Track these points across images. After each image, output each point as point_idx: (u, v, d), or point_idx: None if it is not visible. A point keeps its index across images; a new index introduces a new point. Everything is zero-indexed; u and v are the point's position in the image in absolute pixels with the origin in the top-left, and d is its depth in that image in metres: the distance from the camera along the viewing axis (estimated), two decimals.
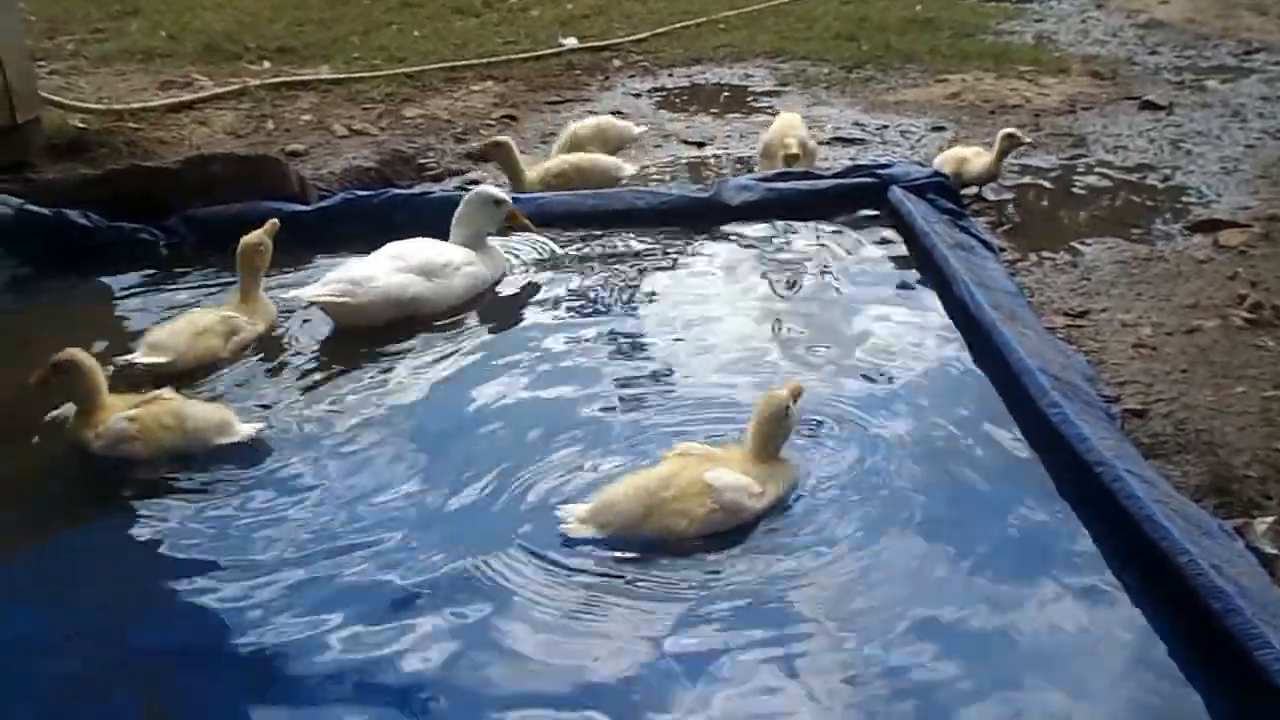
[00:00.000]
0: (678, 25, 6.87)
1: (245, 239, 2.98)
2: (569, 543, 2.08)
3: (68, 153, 4.29)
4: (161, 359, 2.71)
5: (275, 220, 3.04)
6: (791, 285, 3.24)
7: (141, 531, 2.19)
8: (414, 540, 2.11)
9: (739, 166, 4.39)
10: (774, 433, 2.21)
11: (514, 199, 3.53)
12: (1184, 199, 4.05)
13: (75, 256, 3.42)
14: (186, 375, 2.69)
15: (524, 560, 2.04)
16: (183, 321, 2.83)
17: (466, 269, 3.15)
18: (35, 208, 3.47)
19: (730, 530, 2.10)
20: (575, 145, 4.22)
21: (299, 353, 2.91)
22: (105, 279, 3.35)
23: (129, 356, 2.75)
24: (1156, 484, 2.11)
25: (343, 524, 2.18)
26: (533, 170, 4.02)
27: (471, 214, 3.27)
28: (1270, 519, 2.21)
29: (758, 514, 2.14)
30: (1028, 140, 4.04)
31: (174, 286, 3.30)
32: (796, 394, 2.25)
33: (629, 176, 4.08)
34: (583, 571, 2.02)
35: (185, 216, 3.58)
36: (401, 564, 2.04)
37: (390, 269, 3.01)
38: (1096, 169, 4.37)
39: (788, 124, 4.11)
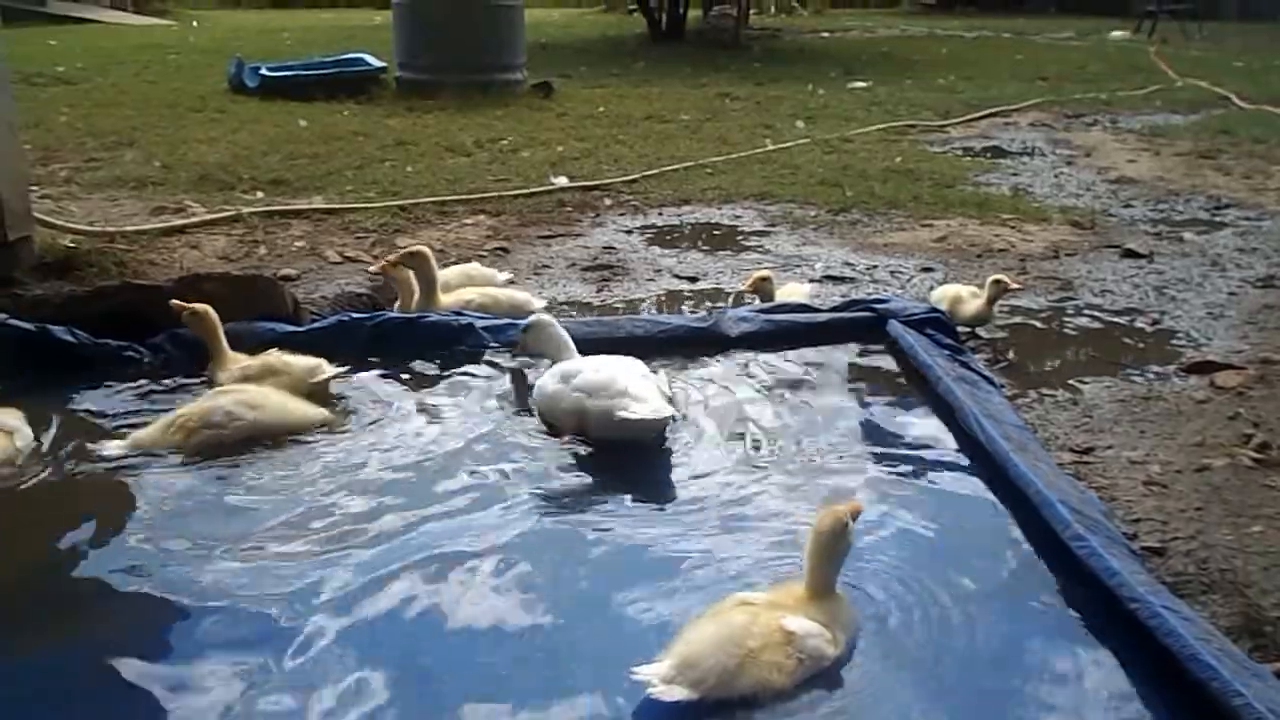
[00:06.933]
0: (666, 168, 7.04)
1: None
2: (659, 710, 1.87)
3: (57, 271, 4.23)
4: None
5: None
6: (792, 419, 3.18)
7: None
8: None
9: (723, 306, 4.38)
10: (834, 554, 2.09)
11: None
12: (1174, 342, 4.09)
13: (58, 373, 3.32)
14: None
15: None
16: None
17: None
18: (18, 322, 3.39)
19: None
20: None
21: None
22: (86, 396, 3.24)
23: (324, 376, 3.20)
24: (1196, 621, 2.01)
25: None
26: (445, 298, 3.94)
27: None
28: None
29: (835, 660, 2.01)
30: (1015, 285, 4.09)
31: (154, 403, 3.21)
32: (856, 513, 2.15)
33: (539, 309, 4.04)
34: None
35: (173, 334, 3.51)
36: None
37: (653, 384, 2.98)
38: (1086, 311, 4.42)
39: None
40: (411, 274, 3.90)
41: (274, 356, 3.27)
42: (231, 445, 2.86)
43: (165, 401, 3.21)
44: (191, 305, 3.31)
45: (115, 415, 3.12)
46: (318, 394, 3.19)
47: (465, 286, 4.09)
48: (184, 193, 6.07)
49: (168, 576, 2.29)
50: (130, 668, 1.99)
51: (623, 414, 2.86)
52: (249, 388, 3.02)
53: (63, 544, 2.45)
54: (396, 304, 4.02)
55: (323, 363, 3.27)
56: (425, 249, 3.97)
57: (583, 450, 2.92)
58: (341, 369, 3.29)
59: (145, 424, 2.97)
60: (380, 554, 2.37)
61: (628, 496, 2.69)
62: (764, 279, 4.10)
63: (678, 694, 1.85)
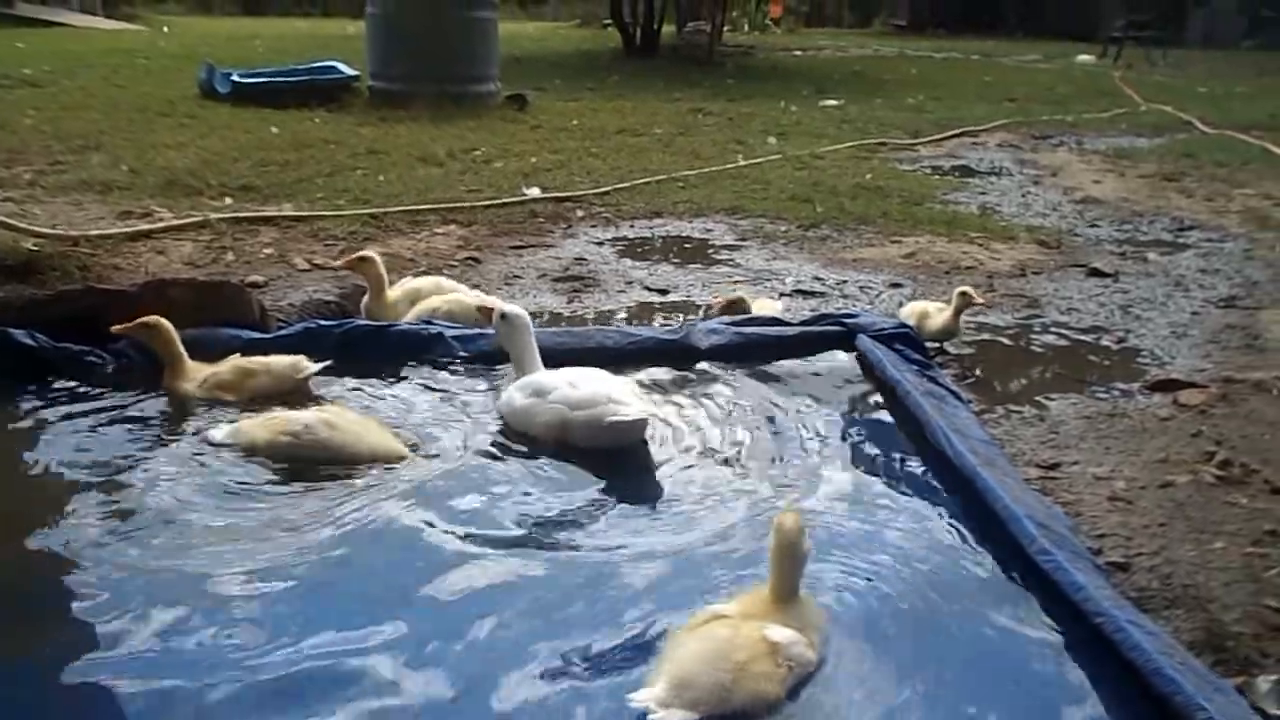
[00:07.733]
0: (639, 181, 7.05)
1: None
2: None
3: (19, 274, 4.15)
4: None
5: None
6: (760, 432, 3.18)
7: None
8: None
9: (695, 317, 4.38)
10: (798, 555, 2.08)
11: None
12: (1139, 360, 4.13)
13: (17, 377, 3.25)
14: None
15: None
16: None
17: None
18: None
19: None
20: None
21: None
22: (44, 400, 3.18)
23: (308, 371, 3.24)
24: (1159, 635, 2.03)
25: None
26: (413, 309, 3.95)
27: None
28: (1273, 678, 2.13)
29: (815, 665, 2.00)
30: (980, 300, 4.12)
31: (114, 409, 3.15)
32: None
33: None
34: None
35: (134, 340, 3.46)
36: None
37: (627, 387, 3.04)
38: (1052, 329, 4.47)
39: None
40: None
41: (245, 360, 3.23)
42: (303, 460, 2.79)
43: (133, 406, 3.16)
44: (139, 320, 3.22)
45: (77, 420, 3.07)
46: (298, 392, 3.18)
47: (435, 295, 4.07)
48: (151, 198, 5.99)
49: (165, 590, 2.25)
50: (121, 675, 1.98)
51: (609, 419, 2.87)
52: (349, 414, 2.93)
53: (45, 552, 2.40)
54: (365, 299, 4.04)
55: (301, 359, 3.25)
56: (373, 254, 4.00)
57: (562, 462, 2.90)
58: (324, 363, 3.27)
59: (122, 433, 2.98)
60: (380, 569, 2.36)
61: (601, 510, 2.68)
62: (735, 301, 4.07)
63: (677, 716, 1.81)
